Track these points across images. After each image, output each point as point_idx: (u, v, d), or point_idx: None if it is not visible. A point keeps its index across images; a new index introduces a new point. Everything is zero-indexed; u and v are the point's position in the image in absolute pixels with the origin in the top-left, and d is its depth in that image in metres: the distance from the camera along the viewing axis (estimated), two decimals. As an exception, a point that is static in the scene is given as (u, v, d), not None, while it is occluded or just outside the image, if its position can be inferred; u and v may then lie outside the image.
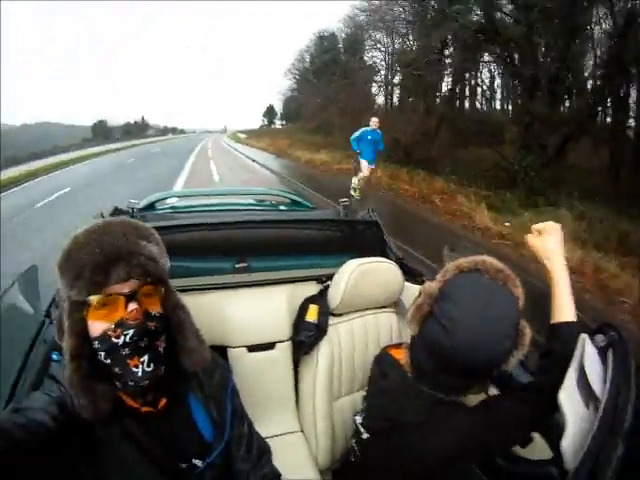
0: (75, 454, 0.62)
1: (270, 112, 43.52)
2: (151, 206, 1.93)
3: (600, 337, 0.75)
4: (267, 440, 0.89)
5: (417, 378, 0.84)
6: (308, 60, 23.00)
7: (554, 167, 8.12)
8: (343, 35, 18.84)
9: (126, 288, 0.63)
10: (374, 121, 7.01)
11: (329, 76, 17.04)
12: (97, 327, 0.63)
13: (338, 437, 1.19)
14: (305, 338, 1.18)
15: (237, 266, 1.35)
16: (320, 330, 1.18)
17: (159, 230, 0.72)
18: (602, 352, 0.72)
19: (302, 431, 1.23)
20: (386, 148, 7.76)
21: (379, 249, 1.47)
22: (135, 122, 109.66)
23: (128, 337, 0.62)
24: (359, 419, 0.95)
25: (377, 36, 15.49)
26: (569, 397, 0.68)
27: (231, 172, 12.85)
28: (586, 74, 9.58)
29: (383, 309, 1.28)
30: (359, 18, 15.92)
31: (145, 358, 0.64)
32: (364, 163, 7.09)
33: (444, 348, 0.77)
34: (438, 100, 12.92)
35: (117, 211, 1.40)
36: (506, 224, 5.71)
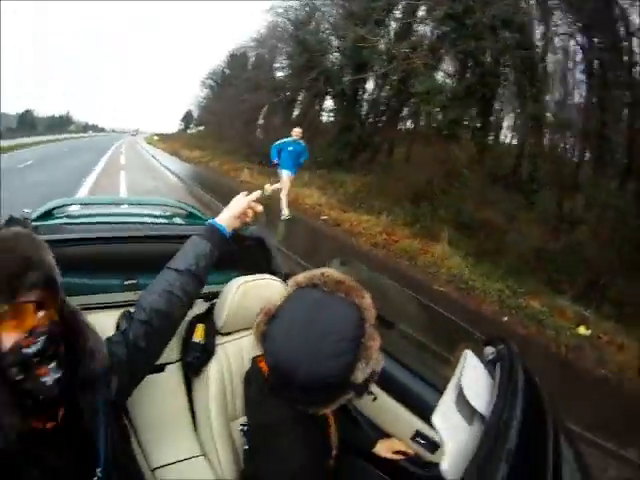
0: None
1: (188, 117, 43.04)
2: (49, 213, 1.83)
3: (490, 349, 0.77)
4: (169, 467, 0.90)
5: (271, 392, 0.85)
6: (220, 73, 24.43)
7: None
8: (253, 54, 20.04)
9: (34, 296, 0.64)
10: (296, 132, 6.74)
11: (234, 88, 18.06)
12: (8, 339, 0.62)
13: (241, 460, 1.13)
14: (193, 359, 1.14)
15: (126, 283, 1.32)
16: (207, 351, 1.15)
17: (50, 244, 0.73)
18: (491, 364, 0.74)
19: (204, 455, 1.16)
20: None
21: (266, 266, 1.46)
22: (60, 116, 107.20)
23: (40, 344, 0.63)
24: (241, 426, 0.97)
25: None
26: (444, 418, 0.66)
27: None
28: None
29: None
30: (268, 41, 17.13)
31: (53, 365, 0.65)
32: (284, 172, 6.78)
33: (270, 365, 0.81)
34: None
35: (11, 220, 1.35)
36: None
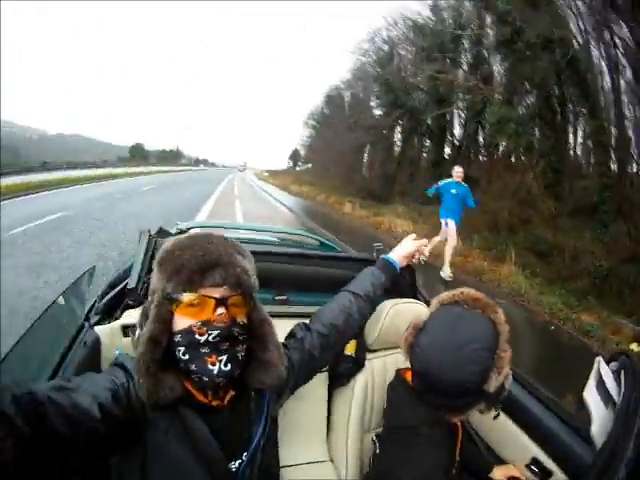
0: (116, 451, 0.66)
1: (295, 155, 45.66)
2: (188, 230, 1.91)
3: (614, 364, 0.90)
4: (295, 467, 1.02)
5: (418, 397, 0.96)
6: (320, 114, 26.33)
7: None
8: (348, 93, 21.64)
9: (217, 293, 0.69)
10: (458, 172, 5.72)
11: (334, 127, 19.89)
12: (184, 322, 0.69)
13: (366, 468, 1.19)
14: (344, 370, 1.24)
15: (277, 298, 1.41)
16: (358, 363, 1.25)
17: None
18: (616, 374, 0.86)
19: (332, 461, 1.25)
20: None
21: (410, 291, 1.52)
22: (170, 150, 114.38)
23: (212, 337, 0.68)
24: (374, 435, 1.07)
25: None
26: (591, 396, 0.83)
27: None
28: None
29: None
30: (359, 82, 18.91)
31: (224, 358, 0.69)
32: (450, 222, 5.66)
33: (418, 371, 0.93)
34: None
35: (161, 232, 1.43)
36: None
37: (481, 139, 12.05)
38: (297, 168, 41.60)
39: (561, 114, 9.46)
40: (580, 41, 8.66)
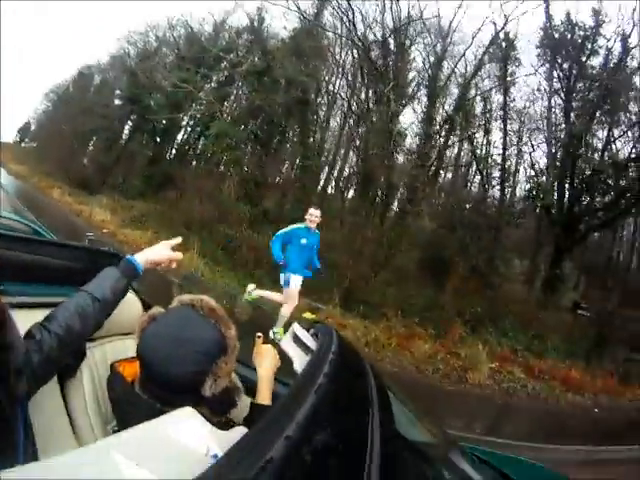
0: None
1: (25, 129, 37.92)
2: None
3: (313, 330, 1.18)
4: None
5: (140, 388, 0.93)
6: (64, 89, 23.15)
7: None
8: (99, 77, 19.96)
9: None
10: (314, 215, 4.57)
11: (71, 108, 18.17)
12: None
13: None
14: (71, 362, 1.16)
15: None
16: (79, 353, 1.18)
17: None
18: (315, 335, 1.11)
19: None
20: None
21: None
22: None
23: None
24: (113, 427, 1.03)
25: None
26: (289, 348, 1.10)
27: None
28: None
29: (129, 335, 1.33)
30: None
31: None
32: (293, 279, 4.57)
33: (142, 357, 0.91)
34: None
35: None
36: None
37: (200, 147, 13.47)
38: (23, 144, 34.57)
39: (278, 141, 11.82)
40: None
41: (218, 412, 0.96)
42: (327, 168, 11.66)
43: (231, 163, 10.62)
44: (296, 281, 4.59)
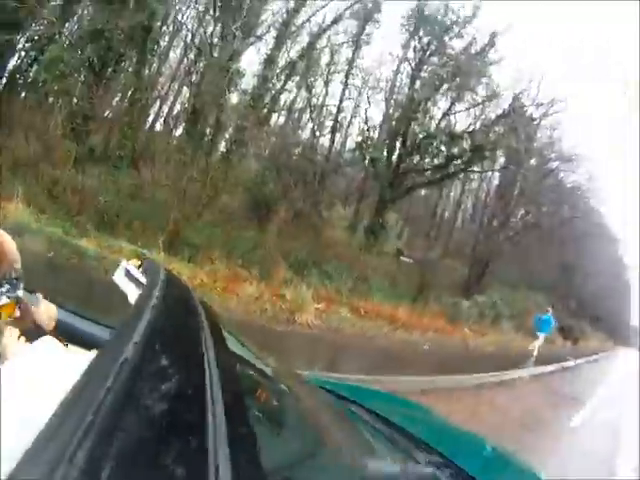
0: None
1: None
2: None
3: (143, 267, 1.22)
4: None
5: None
6: None
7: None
8: None
9: None
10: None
11: None
12: None
13: None
14: None
15: None
16: None
17: None
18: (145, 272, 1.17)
19: None
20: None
21: None
22: None
23: None
24: None
25: None
26: (121, 281, 1.18)
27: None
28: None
29: None
30: None
31: None
32: (542, 336, 11.60)
33: None
34: None
35: None
36: None
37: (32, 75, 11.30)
38: None
39: (113, 70, 10.27)
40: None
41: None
42: (158, 102, 10.94)
43: (61, 93, 8.97)
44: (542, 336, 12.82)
